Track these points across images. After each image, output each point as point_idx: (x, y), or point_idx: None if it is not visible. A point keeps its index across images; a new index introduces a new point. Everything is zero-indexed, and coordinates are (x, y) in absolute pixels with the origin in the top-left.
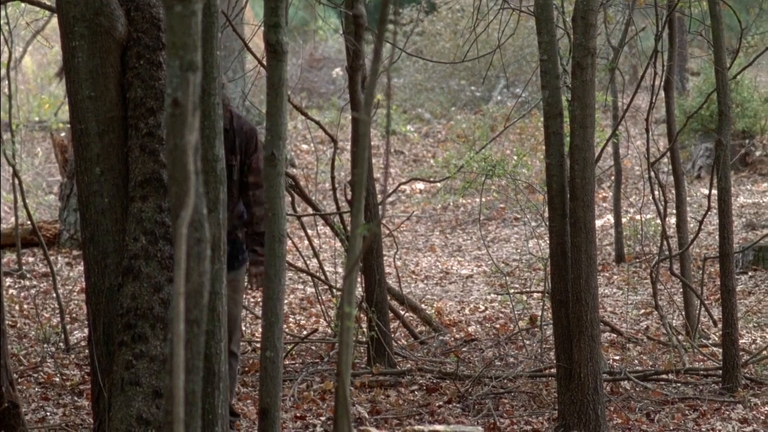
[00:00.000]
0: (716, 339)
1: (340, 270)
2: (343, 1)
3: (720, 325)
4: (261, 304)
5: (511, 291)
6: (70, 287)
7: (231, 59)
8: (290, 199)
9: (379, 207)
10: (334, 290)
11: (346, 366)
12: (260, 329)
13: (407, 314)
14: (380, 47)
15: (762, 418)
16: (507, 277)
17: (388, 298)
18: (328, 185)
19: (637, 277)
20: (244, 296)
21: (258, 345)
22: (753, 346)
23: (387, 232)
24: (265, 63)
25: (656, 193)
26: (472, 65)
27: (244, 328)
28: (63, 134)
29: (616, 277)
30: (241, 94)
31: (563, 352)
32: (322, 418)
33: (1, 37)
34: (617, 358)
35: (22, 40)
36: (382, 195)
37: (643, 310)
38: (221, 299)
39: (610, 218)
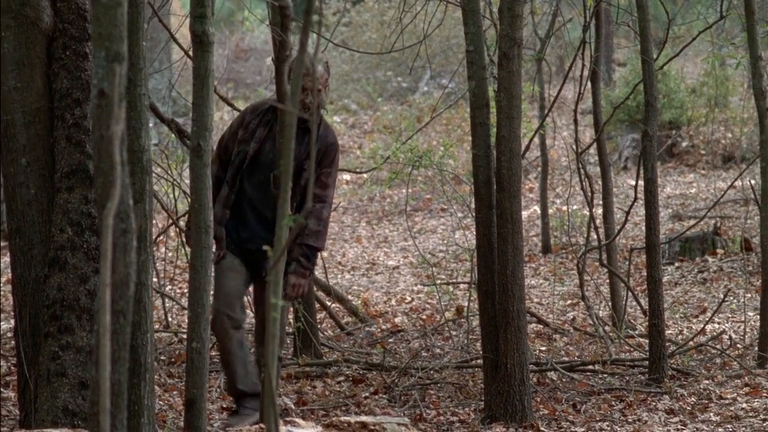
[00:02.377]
0: (643, 330)
1: None
2: None
3: (647, 316)
4: (187, 294)
5: (438, 282)
6: None
7: (157, 50)
8: None
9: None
10: None
11: (273, 357)
12: (186, 320)
13: (334, 305)
14: (306, 38)
15: (688, 408)
16: (433, 268)
17: (315, 289)
18: None
19: (564, 268)
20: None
21: (184, 336)
22: (680, 336)
23: None
24: (191, 54)
25: (583, 183)
26: (399, 56)
27: (170, 319)
28: None
29: (542, 267)
30: (167, 84)
31: (490, 343)
32: None
33: None
34: (544, 349)
35: None
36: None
37: (569, 301)
38: (147, 290)
39: (536, 209)
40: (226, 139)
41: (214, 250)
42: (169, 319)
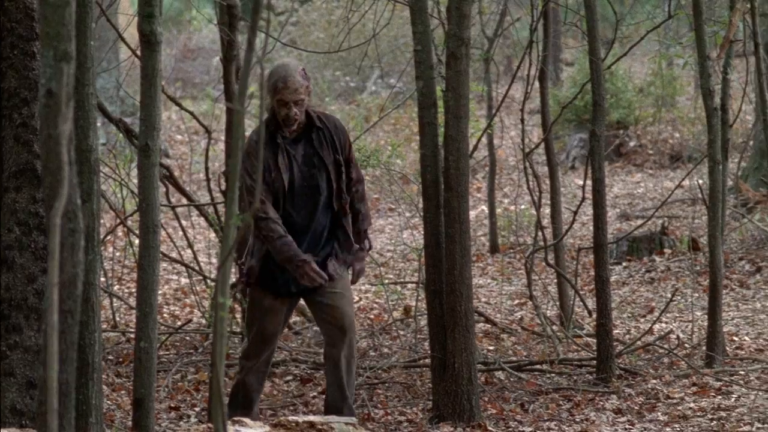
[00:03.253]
0: (590, 329)
1: (214, 260)
2: None
3: (594, 316)
4: (135, 294)
5: (386, 281)
6: None
7: (105, 49)
8: (164, 189)
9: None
10: (209, 281)
11: (221, 356)
12: (134, 320)
13: None
14: (254, 37)
15: (636, 408)
16: (381, 268)
17: None
18: (203, 176)
19: (512, 268)
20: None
21: (132, 336)
22: (627, 336)
23: None
24: (139, 53)
25: (531, 183)
26: (347, 55)
27: (118, 319)
28: None
29: (490, 267)
30: (115, 84)
31: (437, 343)
32: (197, 409)
33: None
34: (492, 348)
35: None
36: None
37: (517, 301)
38: (95, 290)
39: (484, 209)
40: (264, 187)
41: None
42: (117, 319)
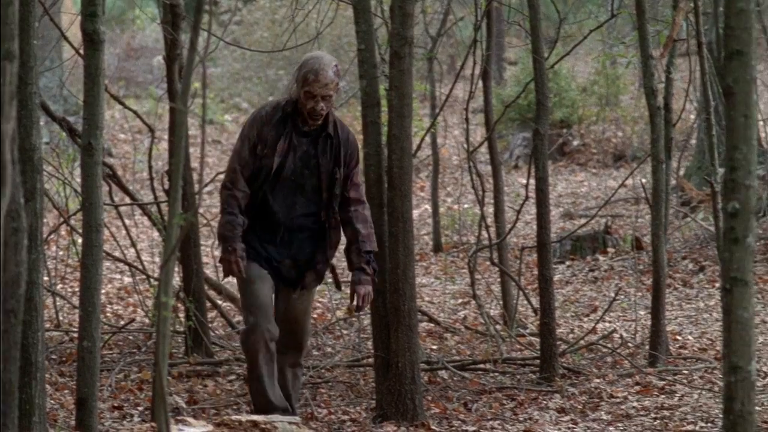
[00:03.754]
0: (534, 328)
1: (157, 260)
2: None
3: (538, 315)
4: (78, 293)
5: (329, 280)
6: None
7: (48, 48)
8: (108, 188)
9: (197, 197)
10: (152, 280)
11: (164, 356)
12: (78, 319)
13: (225, 304)
14: (196, 36)
15: (579, 407)
16: None
17: (206, 287)
18: (146, 175)
19: (455, 267)
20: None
21: (75, 335)
22: (570, 335)
23: (204, 221)
24: (82, 52)
25: (474, 182)
26: (291, 54)
27: (61, 318)
28: None
29: (434, 266)
30: (58, 83)
31: (381, 342)
32: (140, 408)
33: None
34: (435, 347)
35: None
36: (200, 185)
37: (460, 300)
38: (38, 289)
39: (428, 208)
40: (246, 158)
41: (238, 262)
42: (60, 318)
